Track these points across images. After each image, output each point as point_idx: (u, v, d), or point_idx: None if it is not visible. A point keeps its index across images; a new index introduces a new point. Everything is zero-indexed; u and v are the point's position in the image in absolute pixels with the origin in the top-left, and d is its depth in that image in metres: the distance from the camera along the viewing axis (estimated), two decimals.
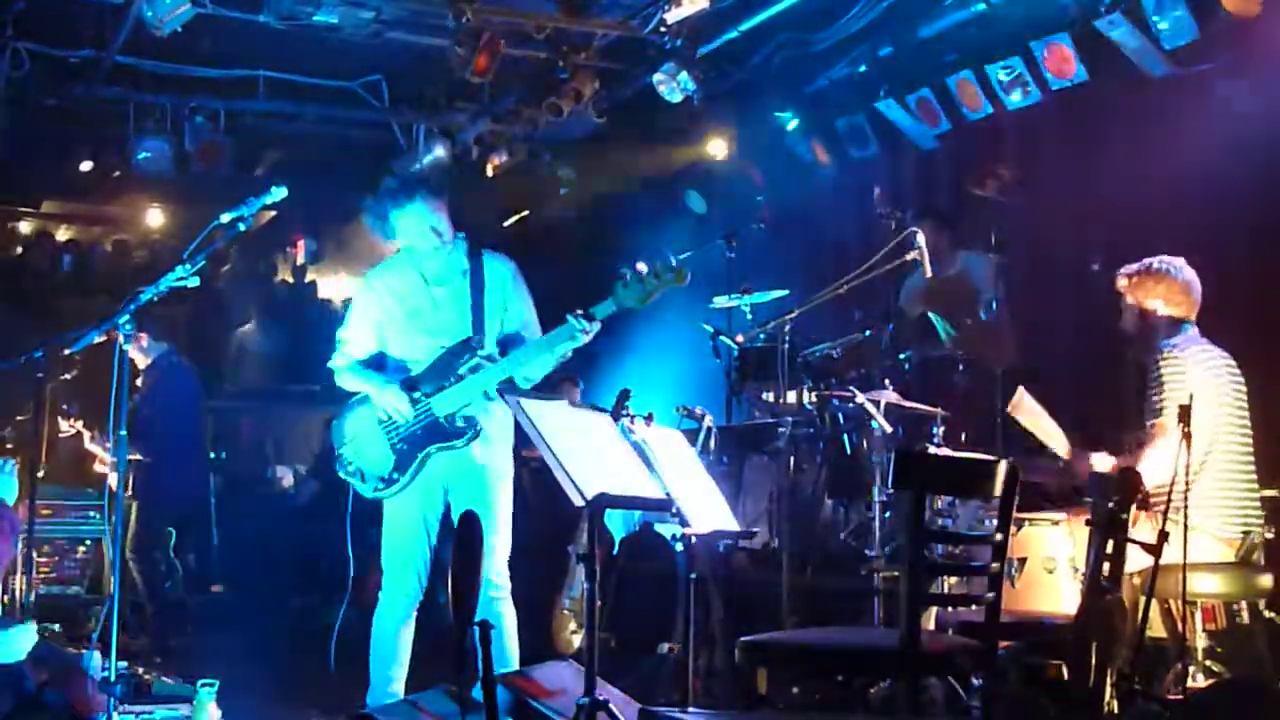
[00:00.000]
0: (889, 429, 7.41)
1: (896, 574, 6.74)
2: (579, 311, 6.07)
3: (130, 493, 9.46)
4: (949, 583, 6.38)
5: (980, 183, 8.21)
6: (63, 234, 17.28)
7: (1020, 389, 6.54)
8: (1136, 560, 5.47)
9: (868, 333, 8.03)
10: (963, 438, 7.68)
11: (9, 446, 9.81)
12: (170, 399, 9.73)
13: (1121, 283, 6.49)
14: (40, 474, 8.21)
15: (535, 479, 9.42)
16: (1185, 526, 5.59)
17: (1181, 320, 6.34)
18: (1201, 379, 6.06)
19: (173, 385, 9.81)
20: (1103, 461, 6.30)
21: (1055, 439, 6.43)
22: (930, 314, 8.81)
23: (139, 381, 9.67)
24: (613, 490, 4.88)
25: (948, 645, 4.87)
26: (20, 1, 9.66)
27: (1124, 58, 8.40)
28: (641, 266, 5.91)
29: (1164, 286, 6.36)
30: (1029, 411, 6.43)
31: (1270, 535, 6.29)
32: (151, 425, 9.40)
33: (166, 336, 9.78)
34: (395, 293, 6.47)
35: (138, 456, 9.33)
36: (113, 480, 9.32)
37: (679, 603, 6.88)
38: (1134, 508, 5.24)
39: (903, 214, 8.65)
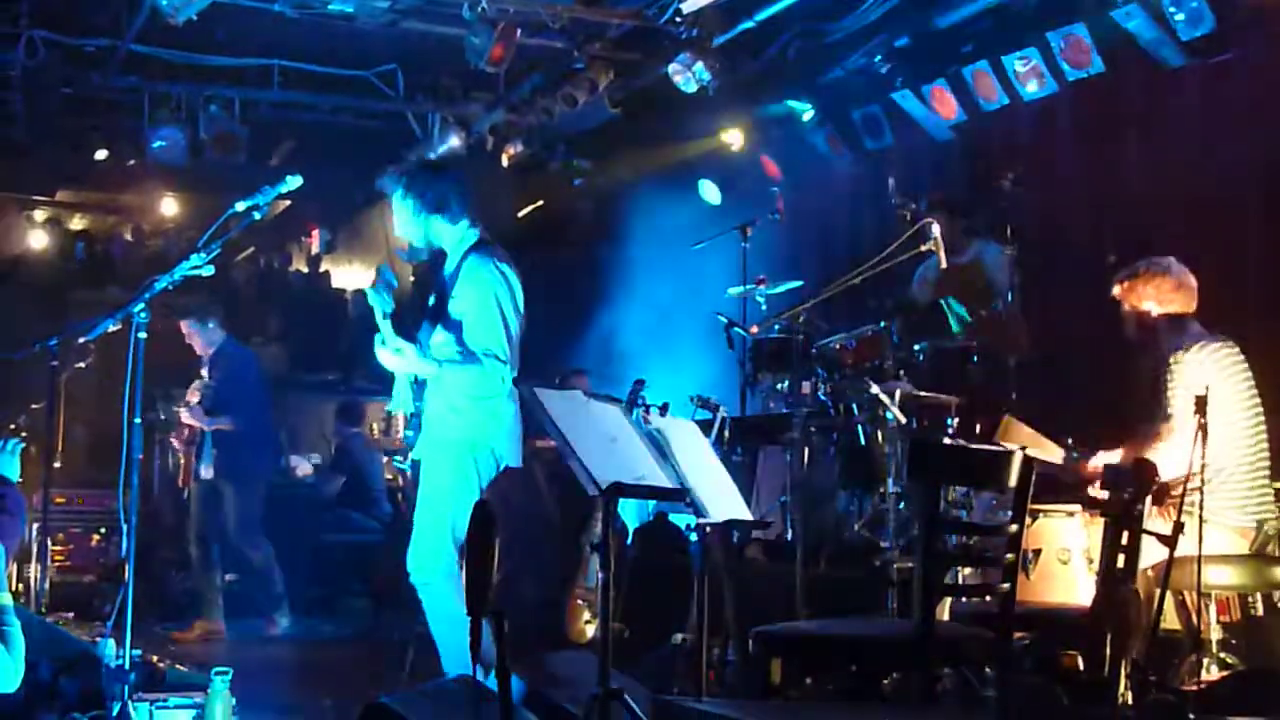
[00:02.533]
0: (903, 420, 7.40)
1: (911, 565, 6.73)
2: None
3: (217, 475, 9.74)
4: (963, 573, 6.36)
5: (995, 174, 8.19)
6: (77, 223, 17.36)
7: (1006, 417, 6.59)
8: (1151, 553, 5.47)
9: (882, 323, 8.01)
10: (977, 429, 7.67)
11: (23, 435, 9.86)
12: (244, 382, 9.97)
13: (1115, 290, 6.49)
14: (57, 465, 8.26)
15: (549, 469, 9.44)
16: (1200, 519, 5.57)
17: (1180, 316, 6.31)
18: (1215, 378, 6.03)
19: (243, 369, 10.05)
20: (1107, 459, 6.31)
21: (1048, 452, 6.47)
22: (943, 300, 8.79)
23: (204, 371, 9.93)
24: (627, 480, 4.88)
25: (962, 636, 4.86)
26: None
27: (1141, 49, 8.39)
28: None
29: (1153, 287, 6.35)
30: (1016, 439, 6.46)
31: None
32: (229, 405, 9.72)
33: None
34: None
35: (228, 427, 9.65)
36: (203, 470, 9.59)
37: (692, 593, 6.87)
38: (1149, 501, 5.25)
39: (917, 205, 8.64)
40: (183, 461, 10.07)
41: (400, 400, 6.49)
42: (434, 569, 6.05)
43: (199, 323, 9.81)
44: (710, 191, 11.88)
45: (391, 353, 6.15)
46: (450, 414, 6.18)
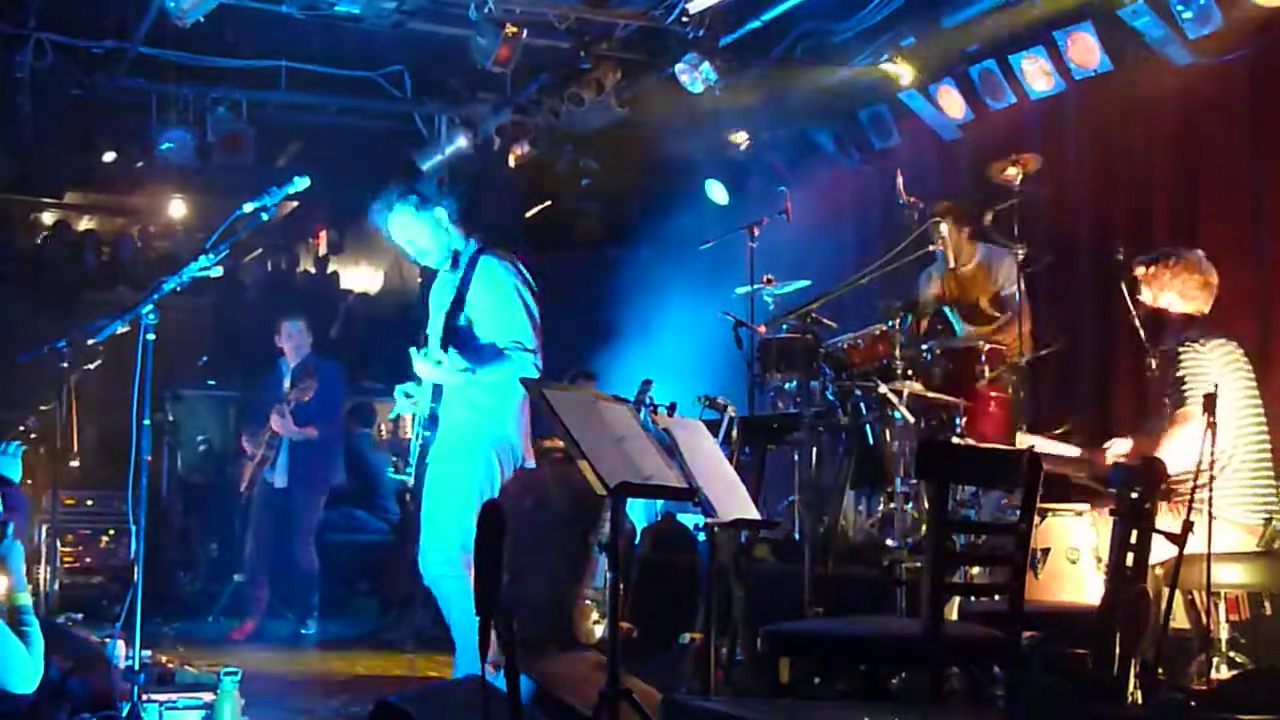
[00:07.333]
0: (911, 419, 7.40)
1: (919, 564, 6.73)
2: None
3: (291, 482, 9.97)
4: (971, 573, 6.37)
5: (1002, 172, 8.18)
6: (85, 225, 17.34)
7: (1019, 434, 6.64)
8: (1160, 551, 5.46)
9: (890, 323, 8.01)
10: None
11: (33, 436, 9.91)
12: (332, 395, 10.22)
13: (1139, 272, 6.45)
14: (75, 463, 8.32)
15: (557, 469, 9.43)
16: (1210, 517, 5.57)
17: (1194, 316, 6.30)
18: (1223, 374, 6.03)
19: (335, 382, 10.31)
20: (1119, 446, 6.31)
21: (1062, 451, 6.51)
22: (945, 309, 8.78)
23: (285, 381, 10.08)
24: (635, 480, 4.87)
25: (970, 635, 4.86)
26: None
27: (1148, 47, 8.38)
28: None
29: (1180, 280, 6.32)
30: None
31: None
32: (317, 416, 9.95)
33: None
34: None
35: (314, 434, 9.89)
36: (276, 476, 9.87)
37: (701, 593, 6.88)
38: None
39: (925, 205, 8.63)
40: (248, 466, 10.13)
41: (402, 404, 6.50)
42: (458, 563, 6.07)
43: (300, 329, 10.15)
44: (717, 192, 11.89)
45: (432, 364, 6.20)
46: (472, 411, 6.25)
